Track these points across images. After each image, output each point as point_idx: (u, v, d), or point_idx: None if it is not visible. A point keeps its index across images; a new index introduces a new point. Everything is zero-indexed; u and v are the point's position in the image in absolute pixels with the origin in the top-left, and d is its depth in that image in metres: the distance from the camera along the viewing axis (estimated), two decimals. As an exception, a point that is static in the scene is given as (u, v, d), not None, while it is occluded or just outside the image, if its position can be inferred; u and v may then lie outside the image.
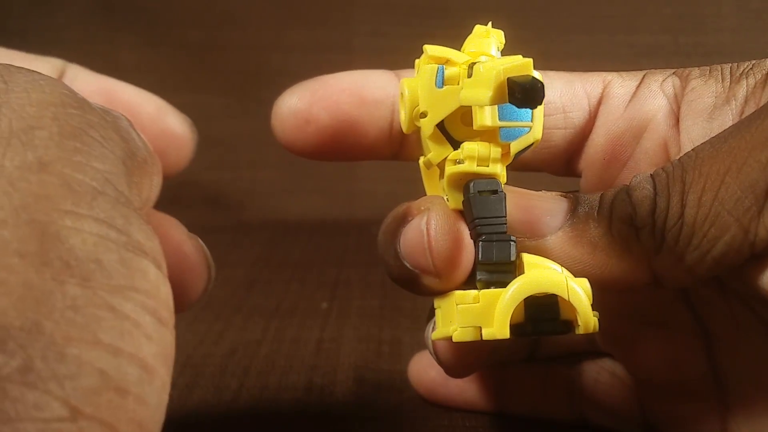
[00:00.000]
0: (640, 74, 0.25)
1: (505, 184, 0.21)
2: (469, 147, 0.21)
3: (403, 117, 0.23)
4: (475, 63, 0.20)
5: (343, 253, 0.53)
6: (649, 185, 0.21)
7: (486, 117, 0.20)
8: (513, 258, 0.20)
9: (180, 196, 0.53)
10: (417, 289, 0.22)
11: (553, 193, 0.22)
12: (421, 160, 0.23)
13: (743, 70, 0.23)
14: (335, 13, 0.66)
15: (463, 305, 0.20)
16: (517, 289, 0.20)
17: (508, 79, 0.19)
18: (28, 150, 0.15)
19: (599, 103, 0.25)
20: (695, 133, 0.23)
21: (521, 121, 0.21)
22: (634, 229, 0.20)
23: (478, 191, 0.21)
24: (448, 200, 0.22)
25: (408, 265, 0.21)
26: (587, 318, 0.20)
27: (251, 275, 0.48)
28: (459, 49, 0.22)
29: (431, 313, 0.24)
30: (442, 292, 0.22)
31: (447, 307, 0.21)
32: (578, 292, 0.20)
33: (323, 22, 0.65)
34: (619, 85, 0.25)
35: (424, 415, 0.29)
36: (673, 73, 0.24)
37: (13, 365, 0.13)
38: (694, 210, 0.20)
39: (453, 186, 0.22)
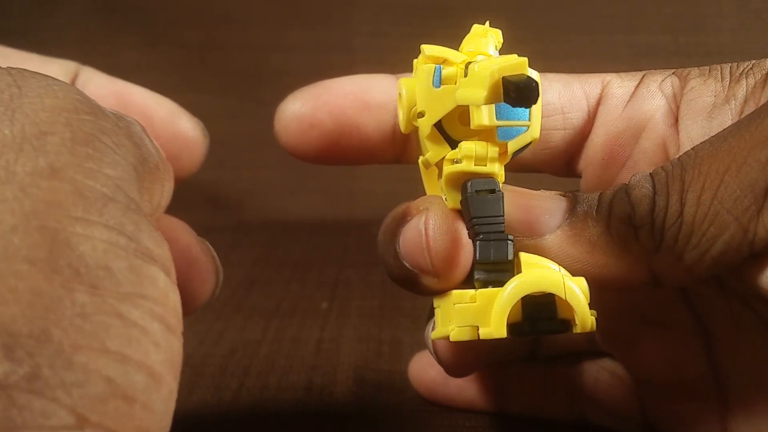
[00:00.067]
0: (639, 75, 0.25)
1: (504, 183, 0.21)
2: (467, 146, 0.21)
3: (401, 117, 0.23)
4: (471, 62, 0.20)
5: (343, 253, 0.53)
6: (648, 184, 0.21)
7: (483, 116, 0.20)
8: (510, 257, 0.20)
9: (180, 196, 0.53)
10: (416, 289, 0.22)
11: (552, 192, 0.22)
12: (420, 159, 0.23)
13: (743, 69, 0.23)
14: (335, 13, 0.65)
15: (461, 304, 0.20)
16: (514, 289, 0.20)
17: (502, 78, 0.19)
18: (40, 156, 0.15)
19: (598, 103, 0.25)
20: (694, 132, 0.23)
21: (519, 120, 0.21)
22: (632, 228, 0.20)
23: (476, 190, 0.21)
24: (446, 200, 0.22)
25: (407, 264, 0.22)
26: (584, 317, 0.20)
27: (251, 275, 0.48)
28: (458, 49, 0.22)
29: (431, 313, 0.24)
30: (441, 292, 0.22)
31: (446, 306, 0.21)
32: (575, 291, 0.20)
33: (323, 22, 0.65)
34: (618, 85, 0.25)
35: (425, 415, 0.29)
36: (673, 73, 0.24)
37: (20, 373, 0.13)
38: (693, 209, 0.20)
39: (451, 185, 0.22)
